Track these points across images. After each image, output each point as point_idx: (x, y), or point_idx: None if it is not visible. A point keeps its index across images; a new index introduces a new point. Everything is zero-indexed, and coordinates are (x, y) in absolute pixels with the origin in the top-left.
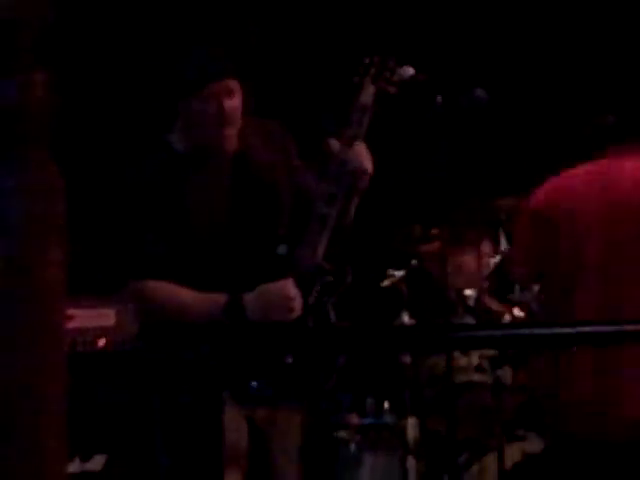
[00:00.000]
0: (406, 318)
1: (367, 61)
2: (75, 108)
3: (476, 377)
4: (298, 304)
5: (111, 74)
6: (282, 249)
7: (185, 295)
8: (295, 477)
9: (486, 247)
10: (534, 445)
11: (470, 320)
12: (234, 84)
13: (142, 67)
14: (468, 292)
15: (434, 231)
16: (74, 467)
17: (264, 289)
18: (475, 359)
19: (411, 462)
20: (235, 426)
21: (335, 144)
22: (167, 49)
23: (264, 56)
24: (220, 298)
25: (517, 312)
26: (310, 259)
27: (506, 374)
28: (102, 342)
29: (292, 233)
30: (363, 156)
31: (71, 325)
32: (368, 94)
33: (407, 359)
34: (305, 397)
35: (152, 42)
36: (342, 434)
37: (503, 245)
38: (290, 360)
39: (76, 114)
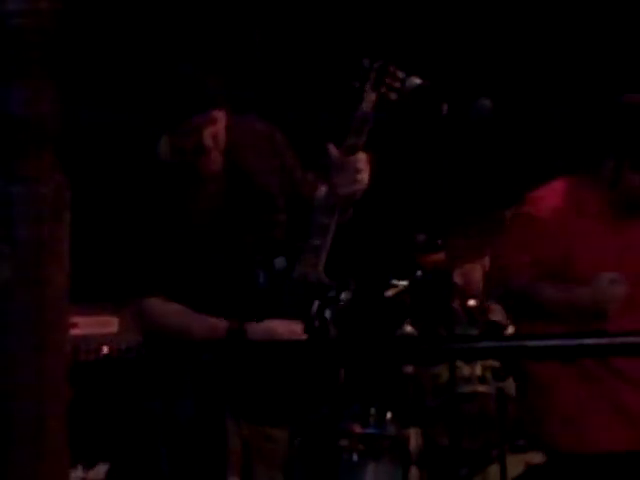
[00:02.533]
0: (409, 328)
1: (367, 65)
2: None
3: (479, 388)
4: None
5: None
6: (280, 262)
7: (190, 317)
8: None
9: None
10: (536, 456)
11: (473, 331)
12: (218, 113)
13: (138, 77)
14: (472, 303)
15: (439, 241)
16: (77, 475)
17: (272, 326)
18: (479, 370)
19: (413, 472)
20: (232, 438)
21: (334, 152)
22: (162, 58)
23: (265, 61)
24: (223, 324)
25: None
26: (311, 272)
27: (509, 385)
28: (105, 350)
29: (291, 245)
30: (361, 168)
31: (74, 332)
32: (369, 102)
33: (410, 369)
34: (304, 411)
35: (148, 50)
36: (345, 443)
37: None
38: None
39: (79, 123)
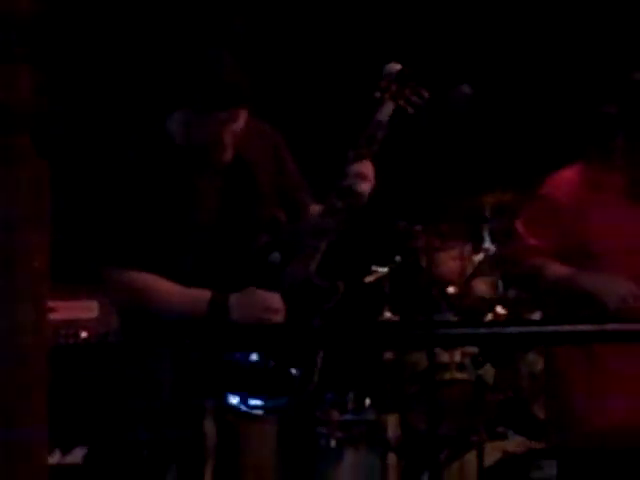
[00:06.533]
0: (388, 314)
1: (389, 74)
2: (69, 96)
3: (458, 375)
4: (279, 318)
5: (109, 64)
6: (275, 257)
7: (169, 288)
8: None
9: (469, 244)
10: (514, 444)
11: (452, 317)
12: (241, 112)
13: (145, 63)
14: (451, 289)
15: (418, 227)
16: (54, 459)
17: (251, 290)
18: (457, 357)
19: (392, 458)
20: (208, 421)
21: (351, 157)
22: (172, 44)
23: (283, 68)
24: (205, 294)
25: (500, 310)
26: (303, 272)
27: (488, 372)
28: (84, 334)
29: (287, 242)
30: (364, 176)
31: (53, 317)
32: (386, 112)
33: (389, 355)
34: (287, 396)
35: (152, 33)
36: (323, 430)
37: (487, 242)
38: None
39: (70, 102)
